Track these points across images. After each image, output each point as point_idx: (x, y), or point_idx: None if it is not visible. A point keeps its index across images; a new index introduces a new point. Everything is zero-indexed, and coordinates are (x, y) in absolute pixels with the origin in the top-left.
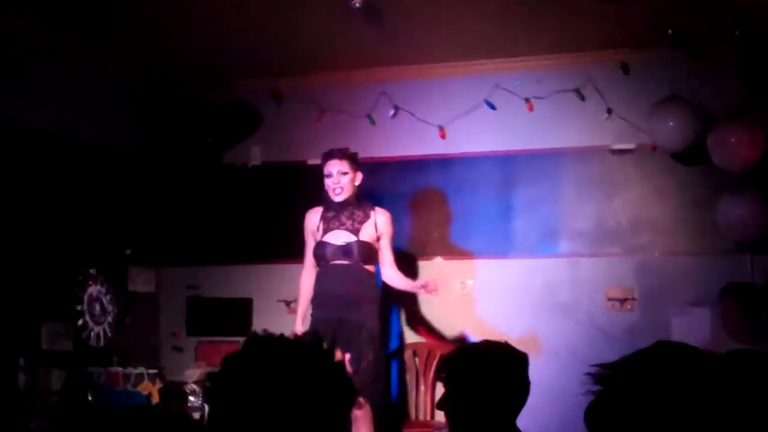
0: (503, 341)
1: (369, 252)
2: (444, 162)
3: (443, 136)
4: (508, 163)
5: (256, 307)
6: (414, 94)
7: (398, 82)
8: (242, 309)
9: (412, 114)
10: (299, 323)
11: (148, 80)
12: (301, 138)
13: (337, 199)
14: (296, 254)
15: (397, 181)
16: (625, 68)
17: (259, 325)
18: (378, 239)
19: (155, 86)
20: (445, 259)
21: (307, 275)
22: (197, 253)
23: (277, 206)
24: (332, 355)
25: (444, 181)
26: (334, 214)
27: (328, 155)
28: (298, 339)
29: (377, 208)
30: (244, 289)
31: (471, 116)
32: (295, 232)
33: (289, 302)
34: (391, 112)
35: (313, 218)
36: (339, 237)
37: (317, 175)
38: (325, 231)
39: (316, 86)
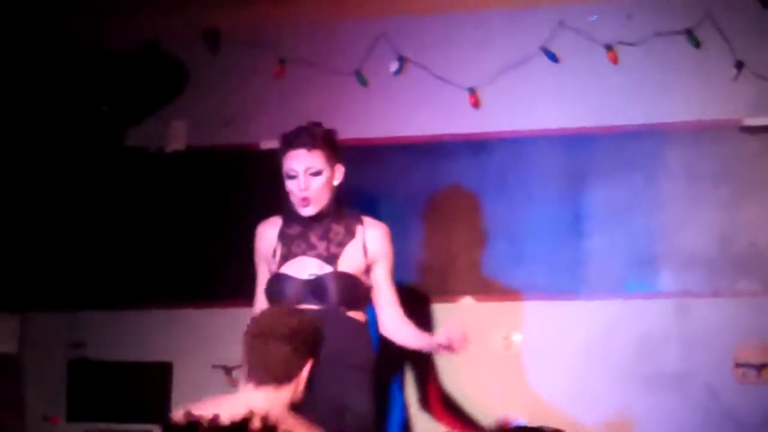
0: None
1: (354, 290)
2: (476, 146)
3: (476, 105)
4: (577, 148)
5: (178, 375)
6: (429, 38)
7: (405, 18)
8: (156, 379)
9: (427, 69)
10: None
11: (5, 11)
12: (249, 107)
13: (306, 212)
14: (242, 292)
15: (402, 176)
16: None
17: (182, 402)
18: (369, 269)
19: (14, 20)
20: (477, 300)
21: None
22: (83, 291)
23: (212, 216)
24: None
25: (476, 175)
26: (301, 230)
27: (289, 141)
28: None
29: (367, 220)
30: (159, 347)
31: (519, 73)
32: (241, 257)
33: (231, 368)
34: (394, 66)
35: (268, 236)
36: (305, 267)
37: (275, 166)
38: (285, 257)
39: (273, 23)
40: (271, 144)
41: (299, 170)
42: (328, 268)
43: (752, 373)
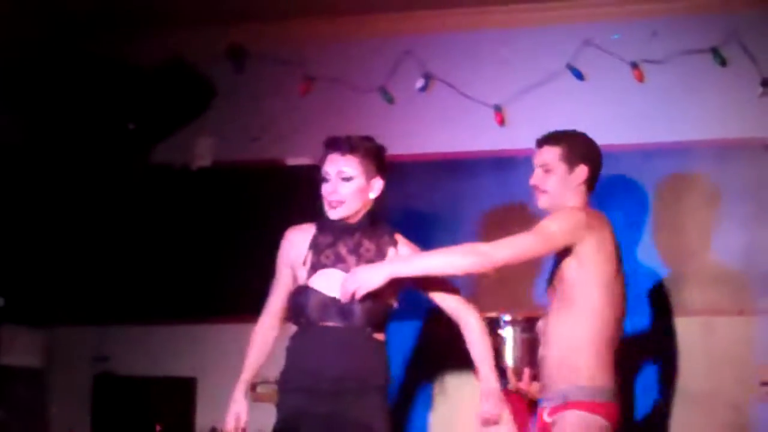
0: None
1: (380, 312)
2: (502, 163)
3: (501, 122)
4: (605, 165)
5: (203, 390)
6: (455, 56)
7: (431, 35)
8: (180, 394)
9: (453, 86)
10: (240, 397)
11: (30, 30)
12: (275, 123)
13: (332, 214)
14: None
15: (427, 192)
16: None
17: (207, 418)
18: (396, 291)
19: (42, 40)
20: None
21: (265, 325)
22: (109, 306)
23: (237, 232)
24: None
25: (501, 192)
26: (332, 240)
27: (328, 146)
28: None
29: (401, 241)
30: (183, 362)
31: (544, 91)
32: (266, 272)
33: (255, 384)
34: (420, 83)
35: (298, 242)
36: (333, 282)
37: (301, 182)
38: (314, 266)
39: (299, 40)
40: (297, 160)
41: (332, 173)
42: (367, 299)
43: None
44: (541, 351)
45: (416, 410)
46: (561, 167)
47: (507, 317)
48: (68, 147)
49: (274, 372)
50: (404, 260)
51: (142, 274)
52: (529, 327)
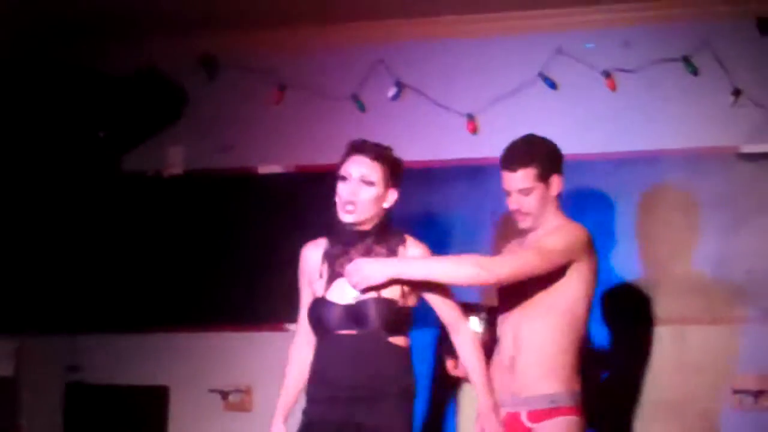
0: None
1: (395, 315)
2: (474, 171)
3: (474, 131)
4: (575, 174)
5: (175, 399)
6: (427, 65)
7: (403, 44)
8: (153, 403)
9: (425, 95)
10: (278, 423)
11: (0, 38)
12: (247, 132)
13: (347, 218)
14: (239, 317)
15: (401, 201)
16: (764, 25)
17: (179, 427)
18: (411, 292)
19: (13, 48)
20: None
21: (298, 348)
22: (81, 314)
23: (209, 240)
24: None
25: (473, 201)
26: (343, 248)
27: (356, 147)
28: None
29: (409, 241)
30: (155, 371)
31: (517, 100)
32: (237, 282)
33: (227, 393)
34: (392, 91)
35: (312, 257)
36: (347, 291)
37: (275, 191)
38: (330, 278)
39: (271, 49)
40: (269, 169)
41: (355, 175)
42: (369, 293)
43: (750, 399)
44: (506, 351)
45: (445, 417)
46: (539, 186)
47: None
48: (39, 155)
49: (246, 381)
50: (410, 262)
51: (113, 283)
52: (493, 319)
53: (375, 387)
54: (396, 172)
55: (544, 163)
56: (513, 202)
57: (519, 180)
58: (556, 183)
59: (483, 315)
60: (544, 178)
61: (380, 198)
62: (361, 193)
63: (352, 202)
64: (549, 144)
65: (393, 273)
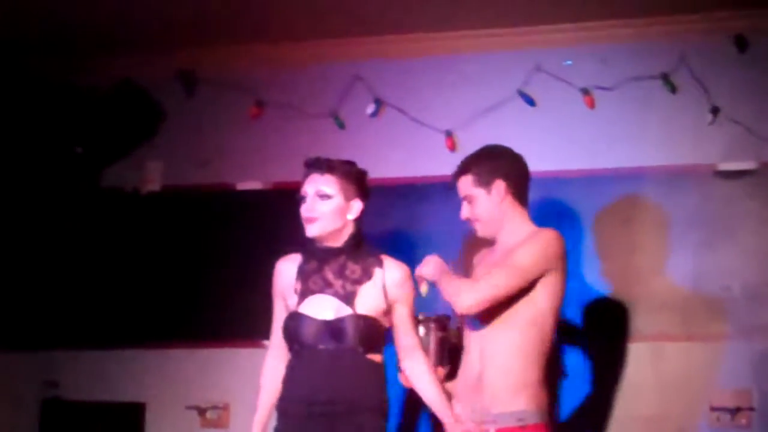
0: None
1: (372, 332)
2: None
3: (452, 147)
4: (553, 191)
5: (151, 416)
6: (406, 81)
7: (381, 61)
8: (129, 419)
9: (404, 112)
10: None
11: None
12: (225, 148)
13: (308, 231)
14: (216, 333)
15: (379, 217)
16: (741, 43)
17: None
18: (388, 311)
19: None
20: None
21: (272, 363)
22: (57, 330)
23: (186, 257)
24: None
25: (452, 218)
26: (317, 265)
27: (307, 166)
28: None
29: (387, 262)
30: (132, 387)
31: (495, 116)
32: (214, 298)
33: (204, 409)
34: (370, 108)
35: (287, 272)
36: (323, 306)
37: (251, 207)
38: (303, 294)
39: (250, 65)
40: (247, 185)
41: (311, 192)
42: (346, 309)
43: (727, 417)
44: (473, 367)
45: None
46: (479, 192)
47: (421, 316)
48: (17, 171)
49: (223, 397)
50: (443, 274)
51: (90, 299)
52: (443, 326)
53: (351, 402)
54: (357, 183)
55: (479, 168)
56: (462, 211)
57: (460, 189)
58: (500, 188)
59: (430, 324)
60: (483, 183)
61: (342, 209)
62: (318, 207)
63: (310, 219)
64: (491, 152)
65: (435, 277)
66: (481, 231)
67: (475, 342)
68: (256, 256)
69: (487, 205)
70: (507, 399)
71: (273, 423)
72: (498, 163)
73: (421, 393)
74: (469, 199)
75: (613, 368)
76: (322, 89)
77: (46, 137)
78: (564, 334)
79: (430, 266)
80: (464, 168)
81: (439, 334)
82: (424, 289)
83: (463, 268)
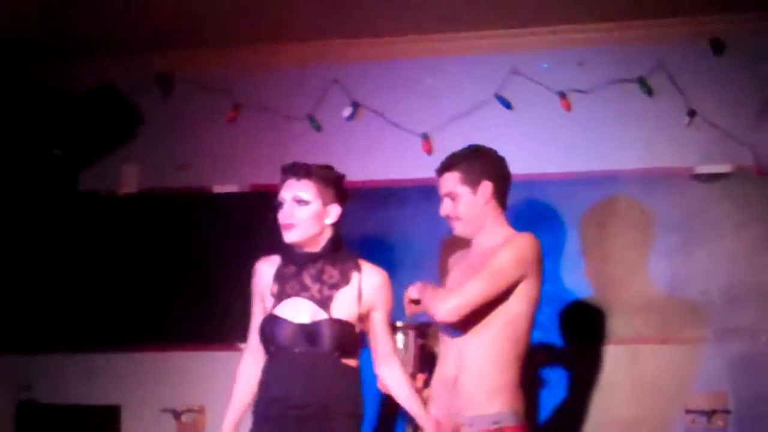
0: None
1: (348, 337)
2: (429, 191)
3: (429, 151)
4: (530, 194)
5: (127, 419)
6: (383, 85)
7: (358, 64)
8: (104, 422)
9: (380, 115)
10: None
11: None
12: (202, 151)
13: (287, 237)
14: (191, 336)
15: (356, 220)
16: (717, 46)
17: None
18: (364, 316)
19: None
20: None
21: (248, 363)
22: (32, 334)
23: (163, 259)
24: None
25: (429, 221)
26: (296, 270)
27: (283, 172)
28: None
29: (365, 267)
30: (107, 390)
31: (473, 119)
32: (190, 301)
33: (180, 412)
34: (347, 111)
35: (265, 273)
36: (299, 310)
37: (230, 210)
38: (279, 297)
39: (227, 68)
40: (223, 188)
41: (287, 198)
42: (321, 313)
43: (703, 419)
44: (449, 370)
45: None
46: (464, 191)
47: (400, 323)
48: None
49: (199, 400)
50: (424, 288)
51: (65, 302)
52: (423, 333)
53: (326, 406)
54: (334, 187)
55: (469, 167)
56: (443, 208)
57: (444, 184)
58: (486, 189)
59: (409, 331)
60: (469, 182)
61: (320, 214)
62: (296, 213)
63: (288, 225)
64: (482, 152)
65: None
66: (460, 230)
67: (451, 347)
68: (232, 258)
69: (470, 205)
70: (483, 402)
71: (248, 425)
72: (486, 164)
73: (398, 399)
74: (453, 196)
75: (590, 371)
76: (299, 92)
77: (24, 140)
78: (542, 350)
79: (416, 287)
80: (451, 164)
81: (419, 341)
82: (409, 312)
83: (439, 270)
